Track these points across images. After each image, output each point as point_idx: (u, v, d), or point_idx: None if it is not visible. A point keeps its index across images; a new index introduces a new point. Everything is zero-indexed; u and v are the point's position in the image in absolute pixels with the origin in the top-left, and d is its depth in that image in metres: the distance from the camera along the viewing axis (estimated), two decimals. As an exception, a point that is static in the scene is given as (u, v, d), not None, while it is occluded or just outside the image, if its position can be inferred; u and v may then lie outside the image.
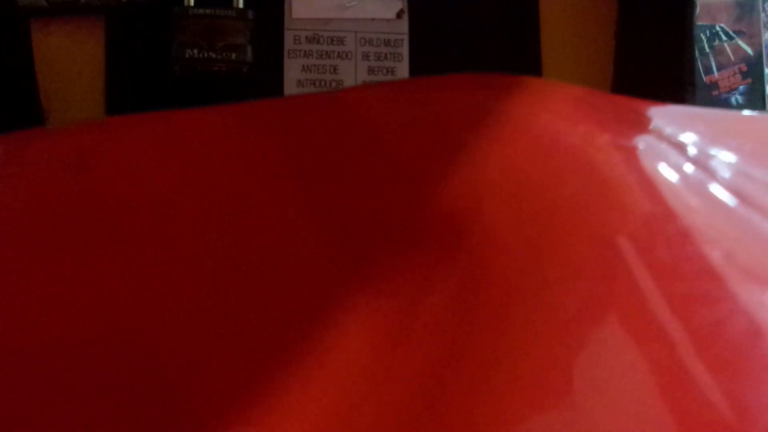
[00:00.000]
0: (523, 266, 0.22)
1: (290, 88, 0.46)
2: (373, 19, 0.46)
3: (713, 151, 0.27)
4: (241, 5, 0.45)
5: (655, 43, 0.48)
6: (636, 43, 0.48)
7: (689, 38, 0.48)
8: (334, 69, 0.46)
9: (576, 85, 0.49)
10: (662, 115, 0.31)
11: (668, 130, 0.29)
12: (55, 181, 0.27)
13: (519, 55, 0.48)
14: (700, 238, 0.24)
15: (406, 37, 0.46)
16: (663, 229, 0.24)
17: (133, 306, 0.22)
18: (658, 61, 0.48)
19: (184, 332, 0.21)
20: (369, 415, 0.19)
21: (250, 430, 0.19)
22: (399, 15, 0.46)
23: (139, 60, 0.47)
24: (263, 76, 0.46)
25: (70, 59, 0.48)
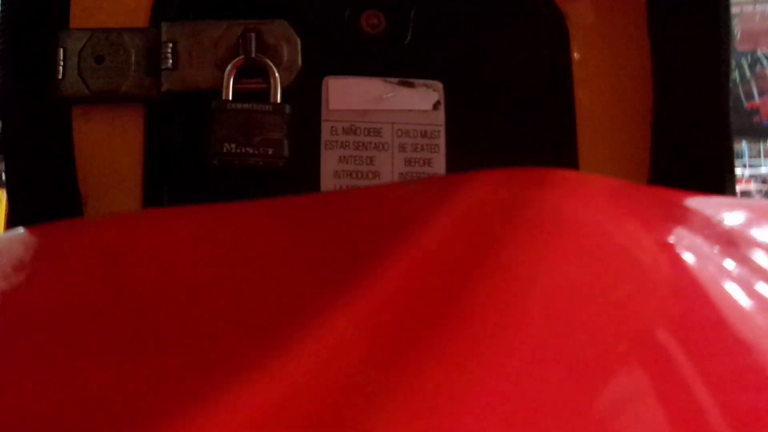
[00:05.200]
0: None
1: (327, 178, 0.46)
2: (409, 111, 0.46)
3: (756, 242, 0.27)
4: (278, 100, 0.46)
5: (693, 132, 0.47)
6: (672, 131, 0.47)
7: (726, 126, 0.48)
8: (371, 160, 0.46)
9: (613, 176, 0.48)
10: (702, 207, 0.31)
11: (710, 222, 0.28)
12: (89, 276, 0.26)
13: (555, 144, 0.47)
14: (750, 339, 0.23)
15: (442, 128, 0.46)
16: (712, 330, 0.24)
17: (162, 399, 0.21)
18: (695, 150, 0.47)
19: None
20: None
21: None
22: (435, 106, 0.46)
23: (178, 150, 0.47)
24: (300, 166, 0.46)
25: (109, 146, 0.49)
